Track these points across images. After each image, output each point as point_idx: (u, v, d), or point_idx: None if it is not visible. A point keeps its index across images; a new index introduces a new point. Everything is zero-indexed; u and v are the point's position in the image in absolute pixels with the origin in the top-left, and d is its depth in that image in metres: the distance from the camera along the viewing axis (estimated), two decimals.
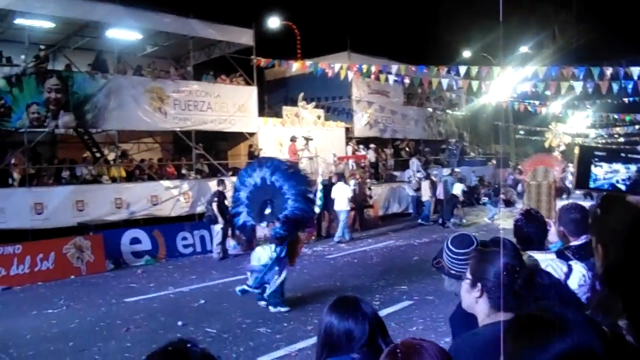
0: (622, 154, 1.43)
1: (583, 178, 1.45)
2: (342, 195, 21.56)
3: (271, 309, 11.51)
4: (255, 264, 11.73)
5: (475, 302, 3.01)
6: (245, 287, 11.83)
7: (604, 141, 46.54)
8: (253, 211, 11.51)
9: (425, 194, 25.78)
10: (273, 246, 11.44)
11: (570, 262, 4.47)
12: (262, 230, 11.67)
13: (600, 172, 1.43)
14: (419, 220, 25.39)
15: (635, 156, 1.43)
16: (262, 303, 11.65)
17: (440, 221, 24.58)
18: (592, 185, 1.45)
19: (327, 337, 3.13)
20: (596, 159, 1.44)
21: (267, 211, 11.37)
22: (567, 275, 4.28)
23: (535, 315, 1.65)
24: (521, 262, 3.08)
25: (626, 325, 1.72)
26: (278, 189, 11.47)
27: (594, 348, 1.50)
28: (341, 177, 22.62)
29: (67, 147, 22.35)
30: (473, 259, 3.15)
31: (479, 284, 2.96)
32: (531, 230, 4.63)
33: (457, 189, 24.86)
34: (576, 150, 1.51)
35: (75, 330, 10.61)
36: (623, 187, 1.44)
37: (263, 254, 11.61)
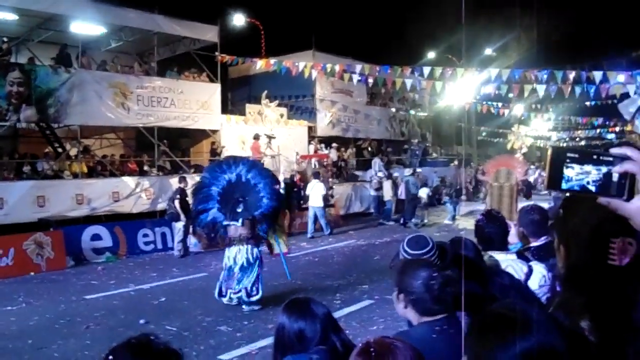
0: (595, 156, 1.49)
1: (555, 179, 1.50)
2: (316, 193, 22.17)
3: (245, 307, 11.48)
4: (229, 263, 11.63)
5: (404, 310, 3.18)
6: (230, 296, 11.67)
7: (565, 144, 47.00)
8: (224, 208, 11.61)
9: (387, 194, 25.91)
10: (249, 247, 11.45)
11: (531, 263, 4.57)
12: (237, 229, 11.52)
13: (572, 173, 1.47)
14: (381, 220, 25.54)
15: (607, 158, 1.48)
16: (244, 307, 11.51)
17: (401, 221, 24.71)
18: (563, 186, 1.50)
19: (279, 338, 3.22)
20: (568, 160, 1.49)
21: (240, 209, 11.43)
22: (528, 275, 4.39)
23: (499, 313, 1.68)
24: (436, 265, 3.39)
25: (588, 325, 1.76)
26: (253, 186, 11.63)
27: (557, 347, 1.54)
28: (317, 175, 23.24)
29: (28, 141, 22.13)
30: (395, 270, 3.34)
31: (401, 295, 3.16)
32: (492, 230, 4.73)
33: (423, 193, 25.10)
34: (548, 152, 1.55)
35: (34, 327, 10.54)
36: (593, 189, 1.49)
37: (238, 256, 11.49)
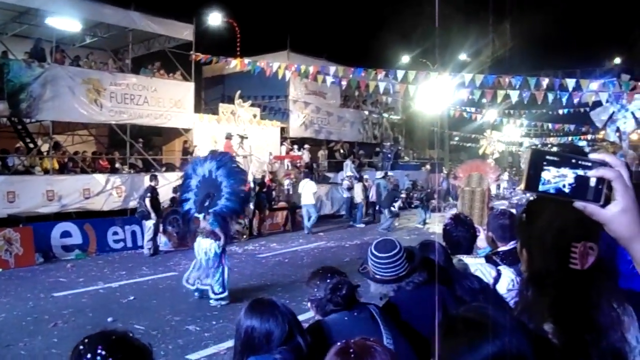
0: (573, 160, 1.51)
1: (532, 181, 1.52)
2: (308, 191, 23.16)
3: (212, 302, 11.66)
4: (197, 256, 11.90)
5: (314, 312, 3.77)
6: (199, 287, 11.95)
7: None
8: (197, 200, 11.87)
9: (358, 197, 26.06)
10: (211, 241, 11.66)
11: (499, 267, 4.61)
12: (202, 221, 11.81)
13: (549, 175, 1.50)
14: (351, 223, 25.66)
15: (585, 163, 1.50)
16: (211, 301, 11.72)
17: (377, 207, 24.81)
18: (540, 188, 1.53)
19: (248, 339, 3.26)
20: (545, 163, 1.52)
21: (206, 204, 11.61)
22: (496, 279, 4.43)
23: (466, 316, 1.68)
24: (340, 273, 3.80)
25: (552, 329, 1.79)
26: (219, 184, 11.78)
27: (523, 351, 1.55)
28: (308, 174, 24.65)
29: None
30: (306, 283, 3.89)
31: (309, 303, 3.76)
32: (460, 234, 4.78)
33: (395, 204, 25.40)
34: (528, 154, 1.58)
35: (1, 324, 10.48)
36: (569, 192, 1.52)
37: (201, 248, 11.79)
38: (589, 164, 1.52)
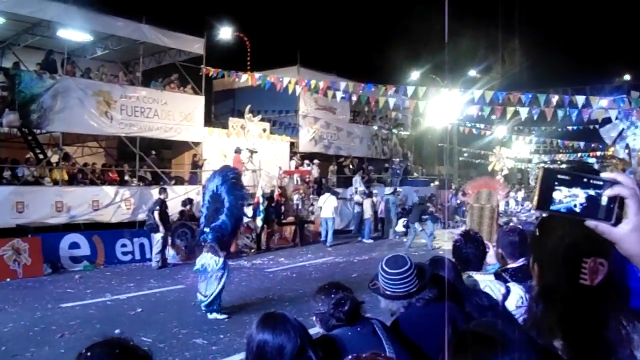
0: (585, 179, 1.51)
1: (544, 200, 1.52)
2: (329, 205, 24.05)
3: (209, 315, 11.71)
4: (199, 268, 11.94)
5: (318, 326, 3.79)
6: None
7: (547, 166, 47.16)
8: (207, 215, 12.09)
9: (367, 212, 26.00)
10: (210, 255, 11.75)
11: (509, 284, 4.59)
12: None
13: (560, 195, 1.49)
14: (360, 238, 25.62)
15: (597, 182, 1.50)
16: (209, 314, 11.77)
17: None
18: (552, 207, 1.52)
19: (260, 354, 3.24)
20: (556, 183, 1.51)
21: (212, 218, 11.72)
22: (505, 296, 4.41)
23: (476, 332, 1.69)
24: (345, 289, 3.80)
25: (561, 345, 1.79)
26: (222, 200, 11.93)
27: None
28: (329, 189, 25.24)
29: (9, 146, 22.00)
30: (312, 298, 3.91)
31: (314, 317, 3.79)
32: (470, 251, 4.76)
33: (400, 225, 25.44)
34: (539, 172, 1.57)
35: (9, 334, 10.48)
36: (579, 211, 1.52)
37: (202, 261, 11.86)
38: (601, 182, 1.51)
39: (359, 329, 3.56)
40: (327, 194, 24.96)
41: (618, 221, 1.49)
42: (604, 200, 1.49)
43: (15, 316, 11.72)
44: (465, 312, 3.68)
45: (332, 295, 3.63)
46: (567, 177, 1.53)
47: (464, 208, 28.81)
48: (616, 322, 1.76)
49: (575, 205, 1.51)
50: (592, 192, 1.50)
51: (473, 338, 1.66)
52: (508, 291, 4.48)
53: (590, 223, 1.51)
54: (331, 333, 3.57)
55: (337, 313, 3.57)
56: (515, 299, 4.44)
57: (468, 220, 21.37)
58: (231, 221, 12.11)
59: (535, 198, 1.56)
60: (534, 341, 1.67)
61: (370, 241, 25.39)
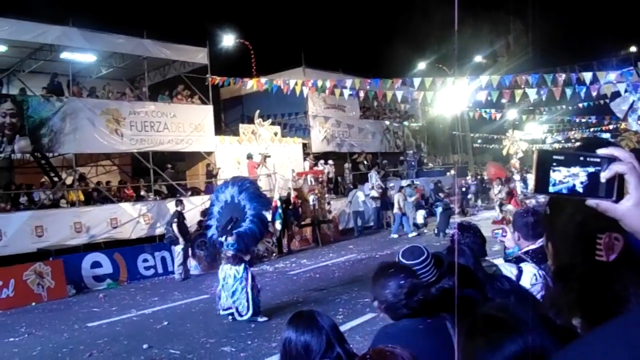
0: (581, 157, 1.47)
1: (542, 182, 1.48)
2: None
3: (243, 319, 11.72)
4: (220, 282, 11.97)
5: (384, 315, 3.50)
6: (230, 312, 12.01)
7: (560, 146, 47.00)
8: (220, 226, 11.99)
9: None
10: (231, 265, 11.75)
11: (521, 265, 4.57)
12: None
13: (559, 176, 1.45)
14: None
15: (594, 159, 1.46)
16: (238, 317, 11.78)
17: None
18: (551, 189, 1.48)
19: (286, 352, 3.22)
20: (554, 164, 1.47)
21: (229, 228, 11.69)
22: (518, 277, 4.38)
23: (490, 315, 1.69)
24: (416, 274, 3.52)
25: (580, 324, 1.76)
26: (242, 208, 11.94)
27: (547, 347, 1.55)
28: (400, 188, 26.15)
29: (24, 172, 22.17)
30: (376, 284, 3.51)
31: (376, 302, 3.44)
32: (468, 240, 4.75)
33: (419, 216, 25.33)
34: (534, 155, 1.54)
35: (38, 357, 10.50)
36: (581, 191, 1.48)
37: (222, 274, 11.89)
38: (598, 160, 1.47)
39: (429, 321, 3.40)
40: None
41: (620, 197, 1.45)
42: (603, 177, 1.46)
43: (43, 339, 11.73)
44: (488, 298, 3.62)
45: (401, 282, 3.39)
46: (562, 157, 1.49)
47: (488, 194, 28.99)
48: (635, 298, 1.72)
49: (575, 185, 1.48)
50: (592, 169, 1.47)
51: (484, 322, 1.66)
52: (520, 271, 4.45)
53: (591, 202, 1.48)
54: (399, 324, 3.44)
55: (411, 302, 3.34)
56: (529, 277, 4.43)
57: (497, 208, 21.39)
58: (258, 226, 12.14)
59: (533, 181, 1.53)
60: (549, 321, 1.66)
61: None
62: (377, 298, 3.44)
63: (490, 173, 33.48)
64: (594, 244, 1.65)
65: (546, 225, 1.94)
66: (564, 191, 1.48)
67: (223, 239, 11.75)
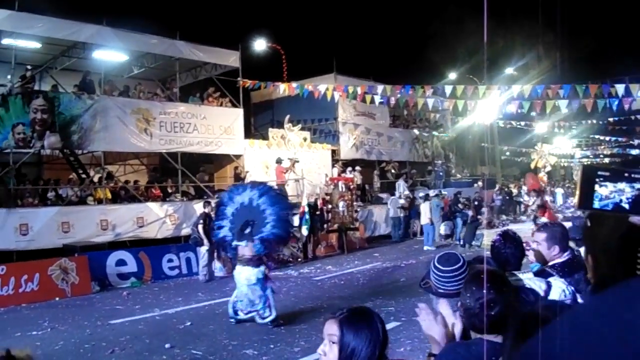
0: (626, 174, 1.40)
1: (586, 198, 1.42)
2: (423, 212, 25.27)
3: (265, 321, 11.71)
4: (237, 285, 12.10)
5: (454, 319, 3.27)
6: (240, 316, 12.06)
7: (588, 161, 46.74)
8: (234, 228, 11.94)
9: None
10: (250, 268, 11.67)
11: (549, 279, 4.47)
12: (242, 249, 11.76)
13: (605, 191, 1.40)
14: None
15: (639, 176, 1.40)
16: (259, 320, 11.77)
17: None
18: (596, 205, 1.43)
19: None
20: (600, 179, 1.41)
21: (247, 231, 11.62)
22: (547, 292, 4.29)
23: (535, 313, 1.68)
24: (503, 287, 3.20)
25: None
26: (261, 211, 11.90)
27: None
28: (426, 197, 25.82)
29: (52, 167, 22.30)
30: (464, 283, 3.28)
31: (459, 304, 3.22)
32: (509, 251, 4.68)
33: (442, 229, 25.12)
34: (579, 171, 1.48)
35: (60, 352, 10.48)
36: (627, 207, 1.41)
37: (241, 277, 11.87)
38: None
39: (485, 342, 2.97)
40: (421, 202, 25.85)
41: None
42: None
43: (65, 334, 11.74)
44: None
45: (485, 291, 3.21)
46: (607, 173, 1.42)
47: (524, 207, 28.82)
48: None
49: (621, 201, 1.41)
50: (638, 185, 1.40)
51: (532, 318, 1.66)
52: (549, 286, 4.36)
53: (634, 219, 1.41)
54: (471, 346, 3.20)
55: (481, 316, 3.04)
56: (558, 292, 4.34)
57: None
58: (283, 231, 12.08)
59: (577, 196, 1.45)
60: None
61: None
62: (461, 301, 3.25)
63: (529, 184, 33.48)
64: (635, 257, 1.61)
65: (587, 238, 1.93)
66: (610, 207, 1.42)
67: (243, 243, 11.70)
